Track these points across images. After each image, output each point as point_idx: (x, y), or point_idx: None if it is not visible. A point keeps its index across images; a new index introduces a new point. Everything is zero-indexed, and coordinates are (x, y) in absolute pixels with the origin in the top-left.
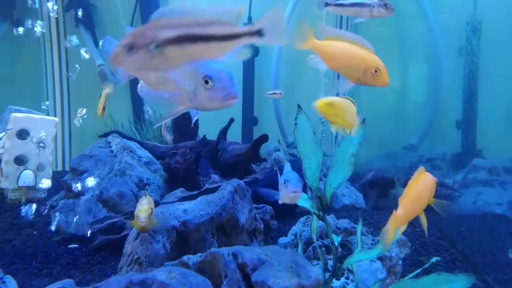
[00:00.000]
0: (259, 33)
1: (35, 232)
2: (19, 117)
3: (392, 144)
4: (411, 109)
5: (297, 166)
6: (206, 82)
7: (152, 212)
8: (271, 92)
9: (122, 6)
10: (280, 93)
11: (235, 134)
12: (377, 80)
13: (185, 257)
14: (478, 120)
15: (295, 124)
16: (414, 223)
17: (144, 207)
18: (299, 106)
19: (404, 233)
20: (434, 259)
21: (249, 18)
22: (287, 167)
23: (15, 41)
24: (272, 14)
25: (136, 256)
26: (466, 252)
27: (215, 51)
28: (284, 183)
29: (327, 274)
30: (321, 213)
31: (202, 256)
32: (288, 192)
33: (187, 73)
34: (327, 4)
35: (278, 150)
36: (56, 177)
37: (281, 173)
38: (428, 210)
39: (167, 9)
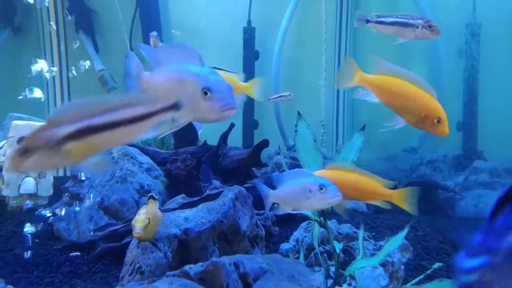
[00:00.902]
0: (176, 106)
1: (36, 240)
2: (20, 124)
3: (393, 146)
4: None
5: None
6: (205, 93)
7: (149, 222)
8: (277, 96)
9: (122, 11)
10: (289, 94)
11: (235, 138)
12: (436, 129)
13: (186, 267)
14: (479, 122)
15: (295, 131)
16: (416, 227)
17: (140, 218)
18: (299, 113)
19: (406, 238)
20: (436, 265)
21: (249, 22)
22: (306, 173)
23: (16, 47)
24: (188, 86)
25: (137, 265)
26: None
27: (128, 135)
28: (321, 189)
29: (329, 281)
30: (322, 220)
31: (203, 265)
32: (328, 198)
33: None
34: (368, 21)
35: (279, 153)
36: (58, 183)
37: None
38: (431, 212)
39: (68, 103)
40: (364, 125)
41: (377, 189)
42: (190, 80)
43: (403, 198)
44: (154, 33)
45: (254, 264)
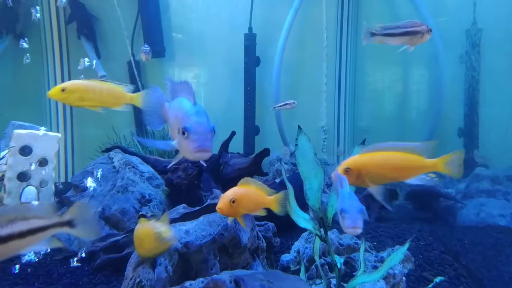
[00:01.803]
0: (70, 223)
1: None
2: (22, 133)
3: None
4: (413, 116)
5: (297, 180)
6: (183, 133)
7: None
8: (282, 104)
9: (123, 17)
10: (293, 102)
11: (237, 144)
12: None
13: (187, 284)
14: (480, 129)
15: (296, 145)
16: (417, 236)
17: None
18: (299, 127)
19: (407, 248)
20: (438, 279)
21: (250, 28)
22: (345, 187)
23: (18, 54)
24: (81, 207)
25: (138, 280)
26: (470, 267)
27: (19, 248)
28: (341, 214)
29: None
30: (323, 232)
31: (204, 282)
32: (346, 228)
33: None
34: (373, 34)
35: (280, 160)
36: (59, 193)
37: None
38: (433, 220)
39: None
40: (365, 139)
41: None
42: (179, 118)
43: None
44: (147, 48)
45: (255, 282)
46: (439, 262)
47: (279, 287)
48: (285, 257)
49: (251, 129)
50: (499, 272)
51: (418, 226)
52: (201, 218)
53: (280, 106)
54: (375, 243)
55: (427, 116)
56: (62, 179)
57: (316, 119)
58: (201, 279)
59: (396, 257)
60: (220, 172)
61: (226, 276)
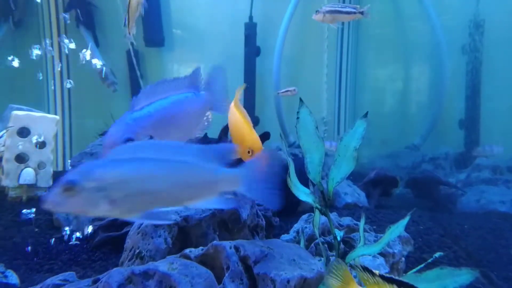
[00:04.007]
0: None
1: (36, 229)
2: (20, 115)
3: (394, 143)
4: (413, 108)
5: (299, 164)
6: None
7: None
8: (284, 90)
9: (123, 6)
10: (294, 89)
11: None
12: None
13: (186, 250)
14: (481, 119)
15: (297, 118)
16: (417, 221)
17: None
18: (301, 100)
19: (407, 231)
20: (437, 254)
21: (250, 18)
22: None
23: (16, 41)
24: None
25: (137, 251)
26: (469, 249)
27: None
28: None
29: None
30: (323, 208)
31: (204, 249)
32: None
33: None
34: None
35: (280, 150)
36: (57, 176)
37: None
38: (433, 208)
39: None
40: (367, 111)
41: None
42: None
43: None
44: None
45: (255, 248)
46: (438, 245)
47: (279, 252)
48: (284, 237)
49: (251, 120)
50: (498, 254)
51: (418, 212)
52: None
53: (283, 92)
54: (374, 227)
55: (428, 107)
56: (60, 164)
57: (316, 110)
58: (201, 247)
59: (396, 230)
60: None
61: (226, 242)
